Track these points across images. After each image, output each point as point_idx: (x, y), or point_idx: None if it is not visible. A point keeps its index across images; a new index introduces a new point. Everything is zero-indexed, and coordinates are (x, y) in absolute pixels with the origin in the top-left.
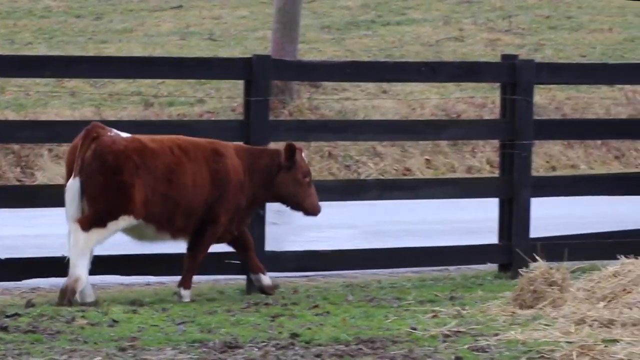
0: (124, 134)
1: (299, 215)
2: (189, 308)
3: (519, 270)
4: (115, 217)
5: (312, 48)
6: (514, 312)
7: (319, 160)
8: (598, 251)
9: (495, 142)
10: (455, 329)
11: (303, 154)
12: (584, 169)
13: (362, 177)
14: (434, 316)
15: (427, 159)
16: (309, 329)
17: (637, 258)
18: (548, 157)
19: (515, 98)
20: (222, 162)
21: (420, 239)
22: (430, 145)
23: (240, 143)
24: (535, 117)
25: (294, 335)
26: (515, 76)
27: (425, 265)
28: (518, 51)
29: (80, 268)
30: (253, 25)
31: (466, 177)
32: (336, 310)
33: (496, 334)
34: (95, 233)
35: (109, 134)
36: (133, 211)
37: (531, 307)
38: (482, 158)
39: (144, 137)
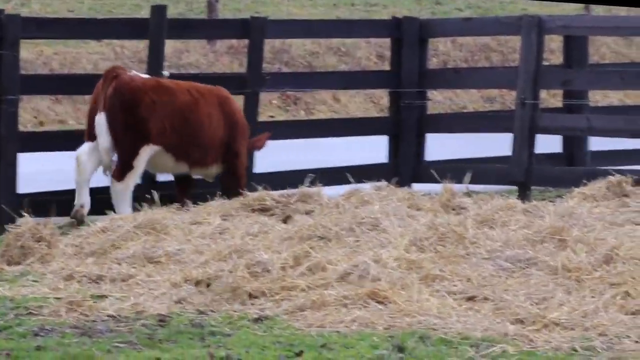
0: (143, 74)
1: None
2: None
3: (6, 226)
4: (137, 152)
5: None
6: (1, 269)
7: None
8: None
9: None
10: None
11: None
12: (72, 124)
13: None
14: None
15: None
16: None
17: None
18: (36, 112)
19: (2, 53)
20: (230, 105)
21: None
22: None
23: None
24: (22, 72)
25: None
26: (0, 31)
27: None
28: (4, 5)
29: (125, 210)
30: None
31: None
32: None
33: None
34: (128, 178)
35: (127, 73)
36: (150, 140)
37: (19, 263)
38: None
39: (162, 78)
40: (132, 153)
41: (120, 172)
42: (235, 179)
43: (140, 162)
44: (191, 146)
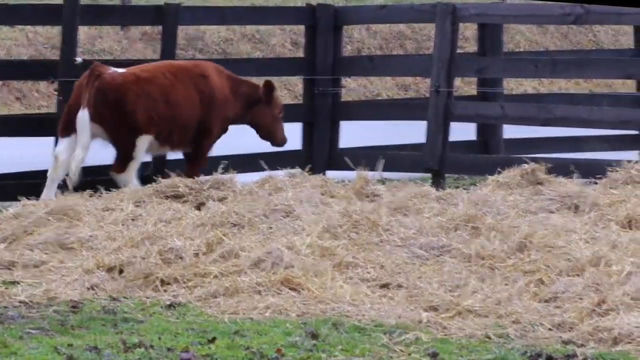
0: (120, 70)
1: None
2: None
3: None
4: (134, 143)
5: None
6: None
7: None
8: None
9: None
10: None
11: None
12: None
13: None
14: None
15: None
16: None
17: (37, 199)
18: None
19: None
20: (207, 83)
21: None
22: None
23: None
24: None
25: None
26: None
27: None
28: None
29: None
30: None
31: None
32: None
33: None
34: (130, 168)
35: (108, 71)
36: (144, 130)
37: None
38: None
39: (136, 69)
40: (129, 146)
41: (121, 164)
42: (196, 161)
43: (139, 152)
44: (174, 130)
